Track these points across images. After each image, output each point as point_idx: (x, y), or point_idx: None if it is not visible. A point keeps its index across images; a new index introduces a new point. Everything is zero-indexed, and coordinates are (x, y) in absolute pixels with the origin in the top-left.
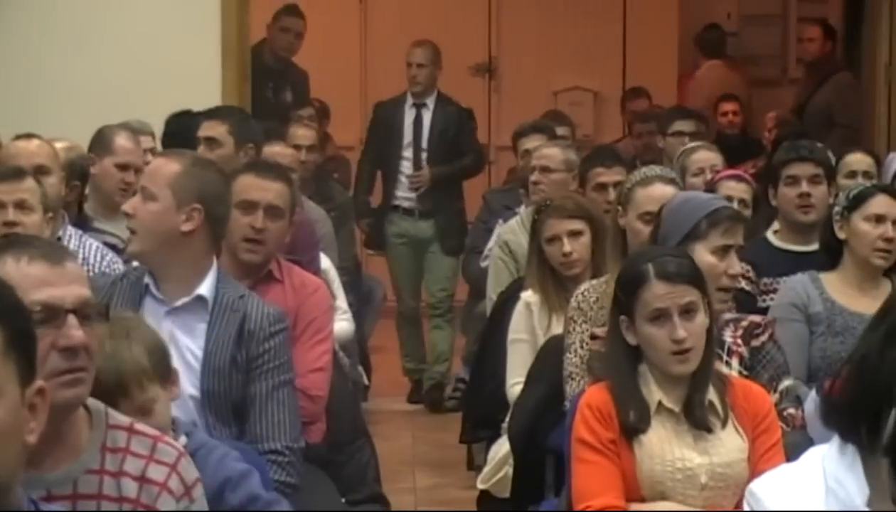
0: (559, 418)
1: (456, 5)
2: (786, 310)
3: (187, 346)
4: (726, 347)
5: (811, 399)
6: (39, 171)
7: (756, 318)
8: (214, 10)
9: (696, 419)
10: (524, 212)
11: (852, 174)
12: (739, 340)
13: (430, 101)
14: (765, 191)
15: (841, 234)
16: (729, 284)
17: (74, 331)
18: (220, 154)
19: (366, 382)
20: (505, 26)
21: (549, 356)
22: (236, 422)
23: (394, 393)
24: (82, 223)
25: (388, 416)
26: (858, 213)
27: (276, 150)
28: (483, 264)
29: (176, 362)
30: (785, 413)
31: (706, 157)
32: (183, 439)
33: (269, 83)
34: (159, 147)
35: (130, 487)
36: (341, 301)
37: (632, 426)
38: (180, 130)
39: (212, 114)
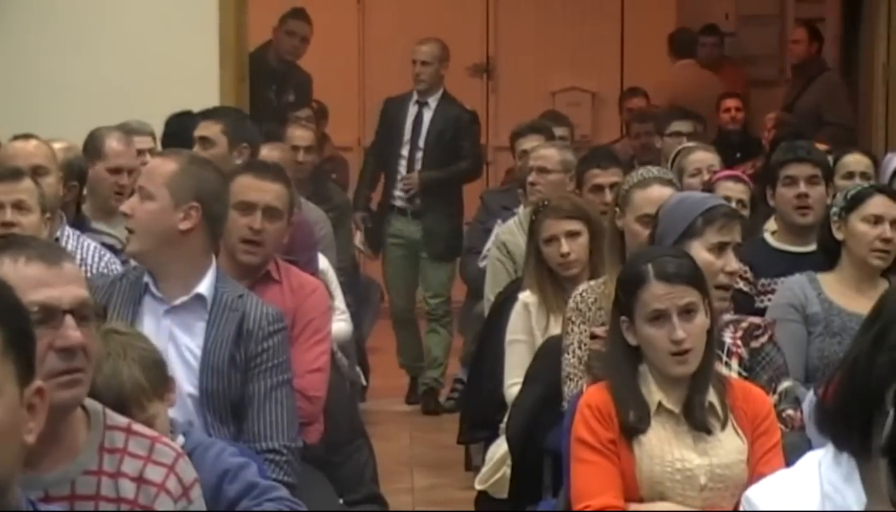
0: (557, 419)
1: (454, 6)
2: (783, 310)
3: (186, 344)
4: (726, 349)
5: (809, 400)
6: (37, 172)
7: (756, 319)
8: (212, 10)
9: (696, 420)
10: (522, 212)
11: (850, 175)
12: (739, 342)
13: (433, 101)
14: (762, 191)
15: (839, 235)
16: (727, 282)
17: (72, 332)
18: (214, 154)
19: (364, 382)
20: (503, 27)
21: (547, 357)
22: (234, 421)
23: (391, 394)
24: (80, 224)
25: (386, 416)
26: (856, 213)
27: (264, 153)
28: (481, 265)
29: (174, 361)
30: (784, 414)
31: (703, 157)
32: (180, 439)
33: (273, 85)
34: (159, 147)
35: (128, 488)
36: (339, 302)
37: (631, 426)
38: (180, 131)
39: (208, 114)
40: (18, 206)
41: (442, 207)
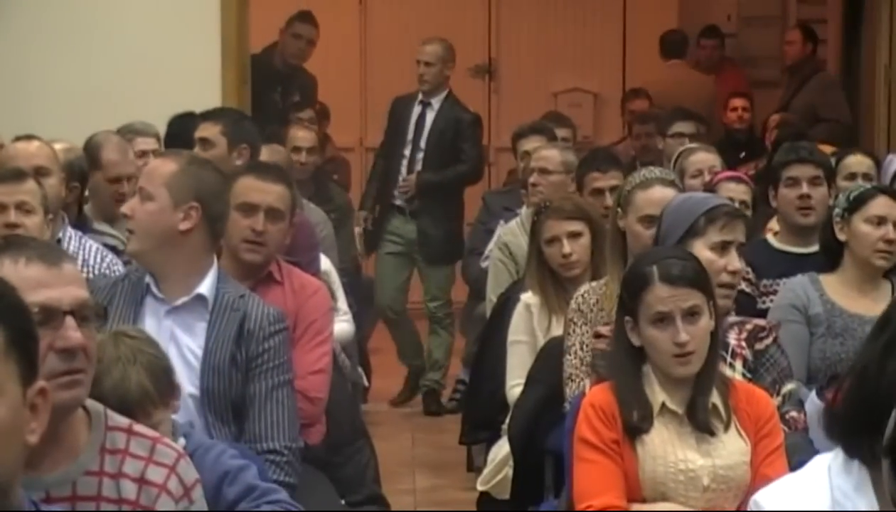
0: (559, 420)
1: (455, 7)
2: (785, 311)
3: (187, 345)
4: (730, 350)
5: (810, 401)
6: (39, 173)
7: (760, 321)
8: (214, 12)
9: (700, 421)
10: (524, 213)
11: (852, 176)
12: (743, 343)
13: (437, 101)
14: (764, 192)
15: (841, 236)
16: (730, 281)
17: (72, 332)
18: (213, 154)
19: (365, 383)
20: (504, 28)
21: (549, 358)
22: (235, 421)
23: (393, 395)
24: (82, 225)
25: (387, 417)
26: (859, 214)
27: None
28: (483, 266)
29: (176, 361)
30: (787, 416)
31: (704, 158)
32: (181, 441)
33: (278, 87)
34: (162, 149)
35: (129, 489)
36: (342, 302)
37: (634, 427)
38: (181, 132)
39: (208, 115)
40: (22, 207)
41: (439, 211)
